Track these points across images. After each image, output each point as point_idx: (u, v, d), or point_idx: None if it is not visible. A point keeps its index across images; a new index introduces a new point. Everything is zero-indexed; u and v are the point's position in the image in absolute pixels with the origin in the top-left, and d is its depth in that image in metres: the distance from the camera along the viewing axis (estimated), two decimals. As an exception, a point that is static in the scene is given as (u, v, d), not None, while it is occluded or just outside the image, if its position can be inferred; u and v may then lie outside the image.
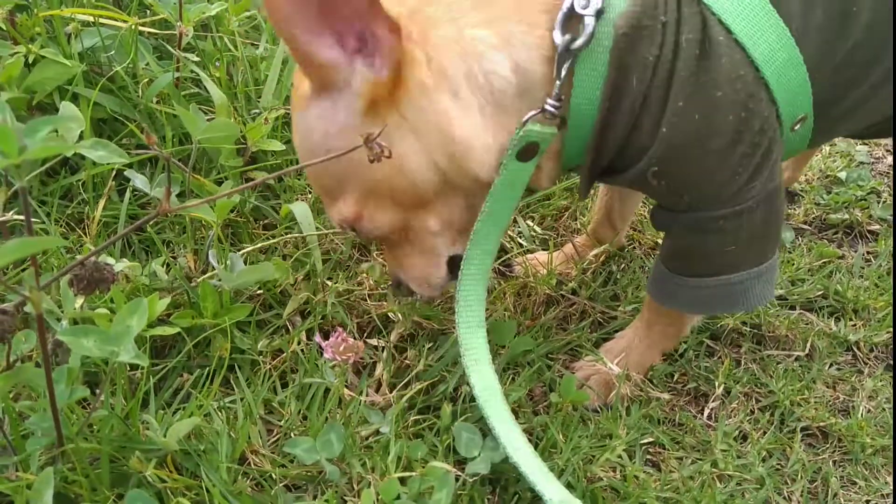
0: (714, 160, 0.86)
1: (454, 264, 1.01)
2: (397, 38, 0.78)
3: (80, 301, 0.92)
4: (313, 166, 0.88)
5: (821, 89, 0.87)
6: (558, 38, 0.79)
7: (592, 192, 1.47)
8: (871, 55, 0.87)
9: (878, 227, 1.62)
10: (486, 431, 1.04)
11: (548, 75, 0.83)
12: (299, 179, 1.45)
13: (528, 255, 1.42)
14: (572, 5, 0.79)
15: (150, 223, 1.26)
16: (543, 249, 1.45)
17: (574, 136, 0.88)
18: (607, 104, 0.82)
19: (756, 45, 0.80)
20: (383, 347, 1.18)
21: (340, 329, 0.91)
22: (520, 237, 1.48)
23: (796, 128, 0.89)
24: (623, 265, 1.44)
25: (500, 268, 1.41)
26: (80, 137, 1.00)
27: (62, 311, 0.96)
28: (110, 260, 0.95)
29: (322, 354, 0.99)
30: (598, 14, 0.78)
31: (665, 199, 0.97)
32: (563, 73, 0.81)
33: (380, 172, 0.86)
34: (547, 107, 0.82)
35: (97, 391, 1.02)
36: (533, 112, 0.83)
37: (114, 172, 1.29)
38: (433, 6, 0.83)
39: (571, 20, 0.80)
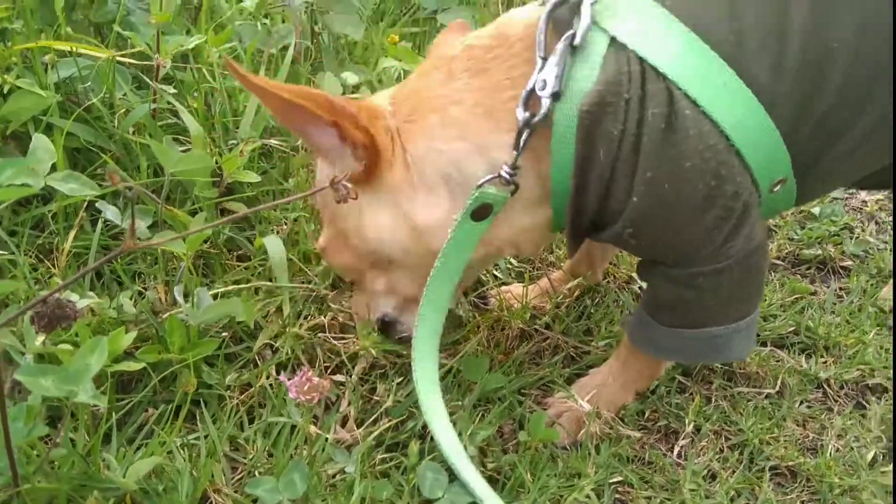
0: (685, 224, 0.89)
1: (385, 324, 1.14)
2: (371, 149, 0.92)
3: (41, 338, 0.91)
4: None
5: (800, 151, 0.89)
6: (520, 114, 0.86)
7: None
8: (850, 114, 0.88)
9: (850, 262, 1.63)
10: (452, 473, 1.03)
11: (526, 168, 0.90)
12: (275, 211, 1.45)
13: (503, 288, 1.42)
14: (533, 88, 0.85)
15: (134, 234, 1.26)
16: (519, 282, 1.45)
17: (557, 203, 0.94)
18: (578, 174, 0.88)
19: (724, 115, 0.83)
20: (354, 384, 1.17)
21: (305, 368, 0.91)
22: (496, 269, 1.48)
23: (776, 189, 0.91)
24: (597, 299, 1.44)
25: (476, 300, 1.41)
26: (53, 169, 1.00)
27: (24, 347, 0.95)
28: (74, 296, 0.95)
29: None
30: (555, 96, 0.84)
31: (644, 255, 1.03)
32: (522, 144, 0.87)
33: (350, 225, 1.01)
34: (502, 173, 0.89)
35: (59, 425, 1.01)
36: (489, 176, 0.90)
37: (86, 203, 1.29)
38: (413, 123, 0.94)
39: (532, 99, 0.86)
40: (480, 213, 0.93)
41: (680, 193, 0.86)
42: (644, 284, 1.50)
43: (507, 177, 0.89)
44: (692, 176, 0.84)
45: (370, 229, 0.99)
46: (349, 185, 0.82)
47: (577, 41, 0.83)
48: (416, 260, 1.01)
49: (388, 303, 1.11)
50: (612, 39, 0.84)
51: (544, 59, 0.85)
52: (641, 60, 0.83)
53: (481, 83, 0.91)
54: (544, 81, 0.84)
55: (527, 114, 0.85)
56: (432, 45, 1.13)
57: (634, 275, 1.50)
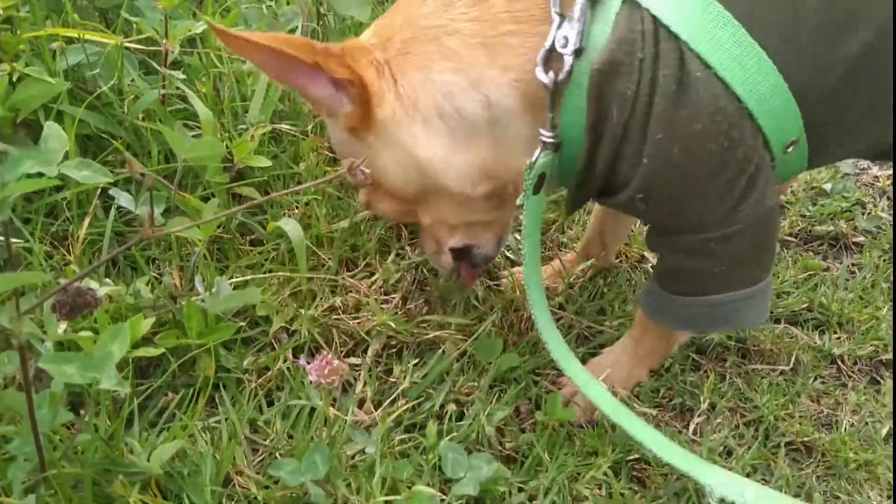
0: (697, 188, 0.89)
1: (461, 253, 1.12)
2: (357, 85, 0.91)
3: (62, 326, 0.91)
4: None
5: (812, 111, 0.88)
6: (542, 76, 0.85)
7: (586, 209, 1.48)
8: (864, 82, 0.87)
9: (862, 238, 1.63)
10: (471, 450, 1.04)
11: (520, 110, 0.90)
12: (286, 195, 1.45)
13: (515, 269, 1.42)
14: (553, 45, 0.84)
15: (153, 222, 1.26)
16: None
17: (565, 160, 0.93)
18: (590, 134, 0.87)
19: (736, 77, 0.81)
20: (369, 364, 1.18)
21: (325, 352, 0.91)
22: (507, 250, 1.48)
23: (789, 150, 0.90)
24: (610, 279, 1.45)
25: (488, 281, 1.41)
26: (66, 157, 1.00)
27: (45, 334, 0.96)
28: (93, 284, 0.95)
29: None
30: (577, 53, 0.83)
31: (654, 222, 1.01)
32: (551, 104, 0.86)
33: (375, 174, 0.97)
34: (545, 139, 0.88)
35: (82, 412, 1.02)
36: (538, 151, 0.90)
37: (98, 190, 1.29)
38: (406, 55, 0.92)
39: (552, 59, 0.85)
40: (539, 184, 0.94)
41: (691, 156, 0.85)
42: (655, 262, 1.50)
43: (552, 140, 0.89)
44: (703, 139, 0.83)
45: (386, 171, 0.98)
46: (367, 170, 0.82)
47: None
48: (443, 191, 0.99)
49: (449, 235, 1.09)
50: None
51: (561, 15, 0.83)
52: (655, 19, 0.81)
53: (480, 12, 0.88)
54: (565, 38, 0.83)
55: (550, 74, 0.84)
56: None
57: (646, 253, 1.50)
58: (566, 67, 0.83)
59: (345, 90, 0.93)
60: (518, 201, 0.95)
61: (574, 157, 0.91)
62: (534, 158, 0.90)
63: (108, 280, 1.11)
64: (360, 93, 0.92)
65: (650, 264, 1.49)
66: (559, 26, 0.83)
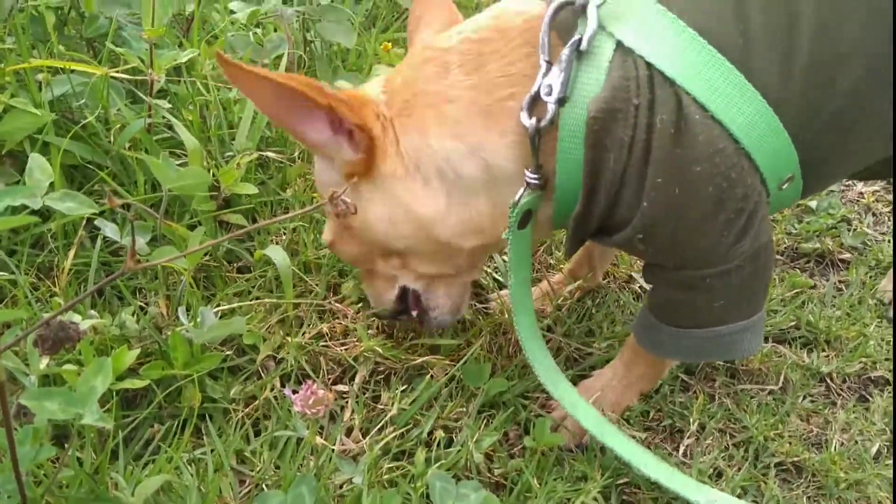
0: (697, 227, 0.89)
1: (405, 293, 1.13)
2: (366, 134, 0.92)
3: (45, 361, 0.91)
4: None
5: (807, 149, 0.89)
6: (525, 119, 0.87)
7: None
8: (859, 115, 0.88)
9: (848, 255, 1.64)
10: (459, 477, 1.04)
11: (518, 170, 0.92)
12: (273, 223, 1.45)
13: (503, 292, 1.42)
14: (537, 92, 0.85)
15: (134, 255, 1.26)
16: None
17: (561, 205, 0.95)
18: (588, 180, 0.88)
19: (733, 119, 0.82)
20: (357, 392, 1.17)
21: (309, 381, 0.91)
22: (496, 272, 1.48)
23: (784, 187, 0.91)
24: (598, 300, 1.45)
25: (477, 304, 1.41)
26: (51, 188, 1.00)
27: (28, 368, 0.95)
28: (76, 317, 0.95)
29: (294, 404, 0.98)
30: (560, 101, 0.84)
31: (653, 259, 1.01)
32: (536, 148, 0.88)
33: (360, 221, 1.00)
34: (529, 181, 0.90)
35: (66, 445, 1.01)
36: (521, 191, 0.91)
37: (84, 221, 1.29)
38: (409, 116, 0.94)
39: (538, 105, 0.86)
40: (524, 221, 0.95)
41: (691, 197, 0.85)
42: (643, 283, 1.51)
43: (536, 182, 0.90)
44: (703, 180, 0.84)
45: (375, 221, 0.99)
46: (348, 199, 0.82)
47: (583, 46, 0.83)
48: (428, 247, 1.01)
49: (408, 277, 1.10)
50: (619, 44, 0.83)
51: (549, 64, 0.85)
52: (649, 65, 0.82)
53: (477, 80, 0.90)
54: (549, 86, 0.84)
55: (533, 120, 0.85)
56: (410, 27, 1.11)
57: (634, 273, 1.51)
58: (549, 115, 0.85)
59: (346, 136, 0.94)
60: (504, 235, 0.96)
61: (571, 201, 0.92)
62: (517, 198, 0.91)
63: (93, 312, 1.10)
64: (367, 142, 0.93)
65: (638, 284, 1.50)
66: (545, 73, 0.85)
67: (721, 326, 1.01)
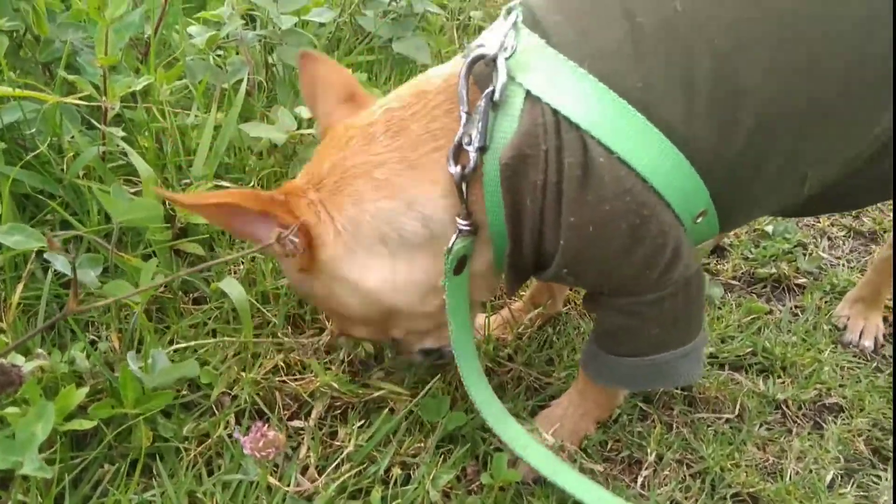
0: (617, 262, 0.92)
1: (428, 353, 1.16)
2: (302, 230, 0.93)
3: (-16, 406, 0.88)
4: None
5: (718, 182, 0.91)
6: (452, 168, 0.88)
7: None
8: (765, 150, 0.90)
9: (804, 280, 1.66)
10: (416, 516, 1.03)
11: (452, 219, 0.93)
12: (231, 250, 1.43)
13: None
14: (459, 142, 0.88)
15: (77, 296, 1.23)
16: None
17: (497, 248, 0.97)
18: (510, 222, 0.91)
19: (639, 159, 0.85)
20: (313, 428, 1.16)
21: (259, 424, 0.89)
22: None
23: (698, 220, 0.93)
24: (559, 327, 1.45)
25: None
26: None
27: (-31, 412, 0.93)
28: (20, 359, 0.92)
29: (246, 444, 0.96)
30: (481, 150, 0.87)
31: (588, 289, 1.05)
32: (464, 195, 0.90)
33: (337, 307, 1.04)
34: (461, 227, 0.92)
35: (11, 487, 0.98)
36: (453, 237, 0.92)
37: (35, 252, 1.26)
38: (339, 193, 0.95)
39: (461, 153, 0.89)
40: (459, 266, 0.96)
41: (606, 234, 0.88)
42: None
43: (467, 228, 0.92)
44: (614, 217, 0.87)
45: (343, 303, 1.01)
46: (296, 239, 0.82)
47: (496, 97, 0.85)
48: (398, 313, 1.02)
49: (419, 341, 1.13)
50: (528, 92, 0.86)
51: (468, 114, 0.87)
52: (555, 111, 0.85)
53: (402, 141, 0.93)
54: (470, 136, 0.87)
55: (458, 167, 0.88)
56: (306, 95, 1.12)
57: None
58: (471, 162, 0.87)
59: (292, 234, 0.95)
60: (440, 282, 0.97)
61: (503, 243, 0.94)
62: (450, 244, 0.93)
63: (40, 350, 1.07)
64: (305, 238, 0.94)
65: (599, 311, 1.50)
66: (465, 123, 0.87)
67: (658, 354, 1.03)
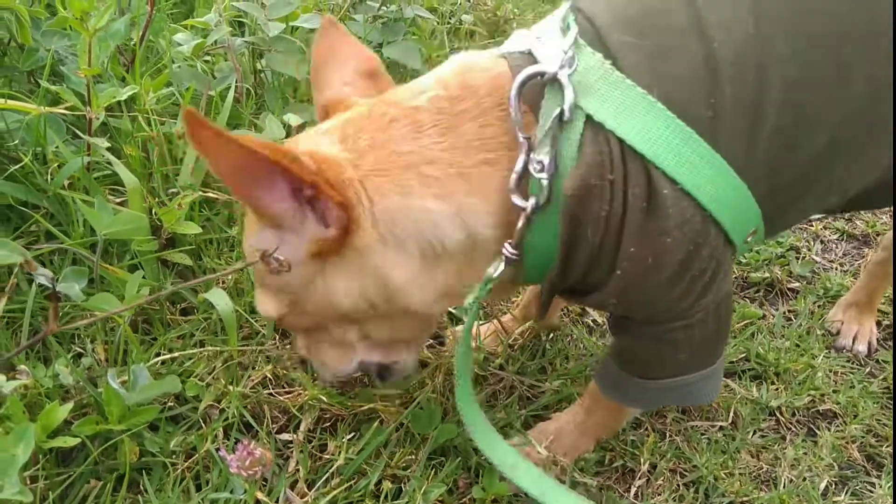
0: (666, 287, 0.89)
1: (379, 368, 1.09)
2: (345, 211, 0.84)
3: (-37, 426, 0.86)
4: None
5: (770, 207, 0.90)
6: (519, 201, 0.83)
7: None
8: (819, 176, 0.91)
9: (797, 284, 1.66)
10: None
11: (496, 236, 0.88)
12: (219, 259, 1.41)
13: (457, 328, 1.41)
14: (524, 169, 0.82)
15: (57, 316, 1.21)
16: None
17: (531, 270, 0.92)
18: (565, 247, 0.87)
19: (701, 191, 0.83)
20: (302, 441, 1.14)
21: (246, 441, 0.88)
22: (453, 308, 1.46)
23: (749, 240, 0.93)
24: (552, 335, 1.44)
25: (433, 342, 1.39)
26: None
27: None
28: (1, 377, 0.90)
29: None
30: (552, 177, 0.82)
31: (621, 314, 1.01)
32: (522, 227, 0.85)
33: (311, 292, 0.93)
34: (507, 254, 0.87)
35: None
36: (501, 265, 0.88)
37: (19, 264, 1.24)
38: (385, 176, 0.87)
39: (523, 183, 0.84)
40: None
41: (662, 264, 0.86)
42: (596, 316, 1.51)
43: (514, 257, 0.87)
44: (673, 248, 0.85)
45: (340, 295, 0.92)
46: (282, 257, 0.80)
47: (566, 117, 0.81)
48: (393, 313, 0.96)
49: (369, 350, 1.05)
50: (588, 117, 0.82)
51: (528, 139, 0.82)
52: (620, 141, 0.81)
53: (453, 142, 0.86)
54: (540, 163, 0.82)
55: (532, 201, 0.83)
56: (316, 62, 1.04)
57: (588, 308, 1.50)
58: (545, 192, 0.83)
59: (309, 207, 0.86)
60: (466, 302, 0.92)
61: (543, 267, 0.91)
62: (495, 272, 0.88)
63: (23, 367, 1.05)
64: (345, 220, 0.85)
65: (591, 318, 1.49)
66: (528, 149, 0.82)
67: (684, 376, 1.03)
